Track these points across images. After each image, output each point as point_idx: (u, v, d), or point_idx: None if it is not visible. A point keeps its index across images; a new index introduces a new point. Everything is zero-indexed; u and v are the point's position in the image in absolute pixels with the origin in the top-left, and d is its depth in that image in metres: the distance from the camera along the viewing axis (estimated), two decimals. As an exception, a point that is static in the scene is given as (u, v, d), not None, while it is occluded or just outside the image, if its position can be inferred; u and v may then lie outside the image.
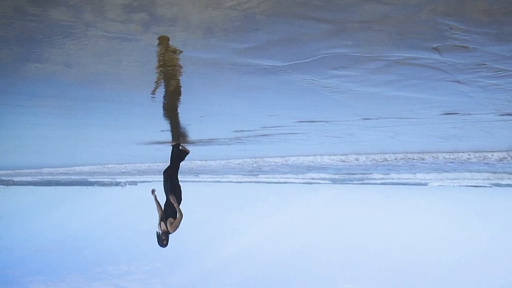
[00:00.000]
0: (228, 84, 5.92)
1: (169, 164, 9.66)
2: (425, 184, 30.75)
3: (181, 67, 5.07)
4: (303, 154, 19.34)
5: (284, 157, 20.73)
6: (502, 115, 7.57)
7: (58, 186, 53.52)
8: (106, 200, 61.31)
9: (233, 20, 3.70)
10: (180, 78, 5.56)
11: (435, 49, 4.27)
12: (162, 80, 5.70)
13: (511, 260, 53.53)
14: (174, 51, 4.51)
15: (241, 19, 3.68)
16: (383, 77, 5.32)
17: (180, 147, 10.49)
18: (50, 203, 64.50)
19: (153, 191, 9.26)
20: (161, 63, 4.87)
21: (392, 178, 27.16)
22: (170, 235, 8.72)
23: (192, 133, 11.20)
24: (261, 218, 67.09)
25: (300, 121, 9.09)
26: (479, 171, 17.64)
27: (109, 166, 33.93)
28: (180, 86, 6.04)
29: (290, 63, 4.82)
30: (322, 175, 29.45)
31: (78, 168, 37.83)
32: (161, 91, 6.35)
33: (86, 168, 37.20)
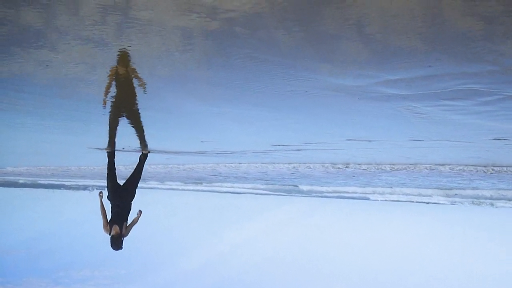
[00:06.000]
0: (329, 106, 6.46)
1: (135, 172, 9.81)
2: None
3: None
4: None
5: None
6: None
7: (24, 188, 52.50)
8: (73, 204, 60.28)
9: (402, 56, 4.26)
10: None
11: (558, 87, 4.91)
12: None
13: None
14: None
15: (420, 54, 4.23)
16: (483, 108, 5.95)
17: (144, 152, 10.66)
18: (13, 204, 63.03)
19: (100, 194, 9.21)
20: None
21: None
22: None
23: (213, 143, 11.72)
24: (228, 228, 67.19)
25: (348, 139, 9.67)
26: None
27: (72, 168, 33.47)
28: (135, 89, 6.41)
29: (417, 92, 5.39)
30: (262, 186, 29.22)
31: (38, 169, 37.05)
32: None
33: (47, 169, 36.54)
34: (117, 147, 10.90)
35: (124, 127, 9.23)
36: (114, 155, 10.16)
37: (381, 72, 4.72)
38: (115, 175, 9.56)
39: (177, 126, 9.64)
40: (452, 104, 5.82)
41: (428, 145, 9.55)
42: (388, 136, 8.93)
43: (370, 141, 9.80)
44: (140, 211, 9.28)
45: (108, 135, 9.90)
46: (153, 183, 36.04)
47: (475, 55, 4.12)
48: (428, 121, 6.99)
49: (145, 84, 6.20)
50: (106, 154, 10.23)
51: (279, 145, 11.36)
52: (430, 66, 4.37)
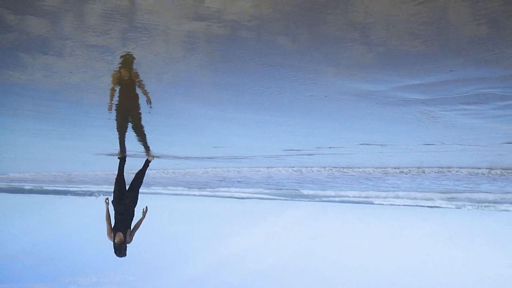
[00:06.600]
0: (346, 111, 6.54)
1: (137, 176, 9.80)
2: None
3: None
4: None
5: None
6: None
7: (30, 194, 52.61)
8: (79, 210, 60.37)
9: (421, 61, 4.34)
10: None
11: None
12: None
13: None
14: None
15: (429, 59, 4.31)
16: (499, 112, 6.02)
17: (150, 158, 10.67)
18: (20, 210, 63.22)
19: (106, 200, 9.23)
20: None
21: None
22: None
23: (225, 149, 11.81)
24: (233, 233, 67.16)
25: (361, 144, 9.73)
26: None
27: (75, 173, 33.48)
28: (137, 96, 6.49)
29: (435, 97, 5.47)
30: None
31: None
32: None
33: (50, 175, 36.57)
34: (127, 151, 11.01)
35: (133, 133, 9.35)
36: (125, 160, 10.26)
37: (400, 77, 4.81)
38: (123, 180, 9.66)
39: (184, 131, 9.73)
40: (469, 108, 5.89)
41: (441, 149, 9.61)
42: (402, 140, 8.99)
43: (383, 145, 9.87)
44: (146, 208, 9.33)
45: (118, 141, 10.01)
46: (157, 188, 36.08)
47: (492, 60, 4.20)
48: (443, 125, 7.06)
49: (150, 99, 6.34)
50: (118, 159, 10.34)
51: (290, 150, 11.42)
52: (451, 70, 4.46)
